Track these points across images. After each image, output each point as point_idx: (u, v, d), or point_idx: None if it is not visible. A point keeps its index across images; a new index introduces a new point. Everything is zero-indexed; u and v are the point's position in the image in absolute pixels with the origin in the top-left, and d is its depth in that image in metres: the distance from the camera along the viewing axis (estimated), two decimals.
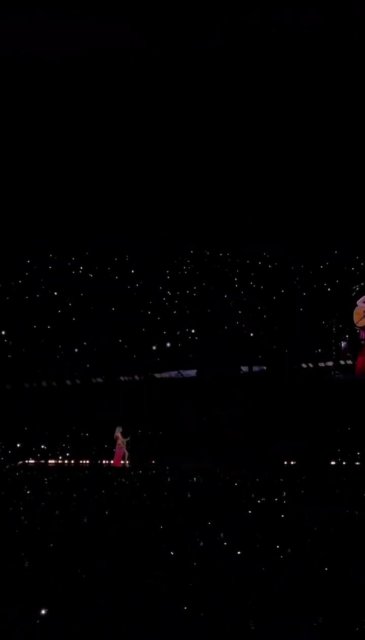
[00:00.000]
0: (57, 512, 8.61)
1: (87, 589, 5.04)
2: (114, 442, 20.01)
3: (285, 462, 18.38)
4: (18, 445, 21.12)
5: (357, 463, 19.28)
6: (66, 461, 21.56)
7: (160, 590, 4.96)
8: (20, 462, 20.53)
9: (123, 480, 13.61)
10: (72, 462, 21.35)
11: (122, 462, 19.72)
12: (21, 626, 4.29)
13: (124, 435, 19.93)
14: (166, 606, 4.64)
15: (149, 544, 6.44)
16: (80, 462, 21.31)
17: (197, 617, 4.46)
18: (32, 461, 21.10)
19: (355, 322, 18.81)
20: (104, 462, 21.10)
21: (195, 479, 13.72)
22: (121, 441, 19.85)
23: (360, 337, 18.55)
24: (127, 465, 19.57)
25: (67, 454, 21.73)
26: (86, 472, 16.98)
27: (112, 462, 19.82)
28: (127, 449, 19.90)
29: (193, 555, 5.95)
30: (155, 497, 10.40)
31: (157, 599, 4.78)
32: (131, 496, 10.48)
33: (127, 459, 19.84)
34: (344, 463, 19.43)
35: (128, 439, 19.96)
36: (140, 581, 5.17)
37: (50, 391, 21.42)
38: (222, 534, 6.67)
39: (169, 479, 13.80)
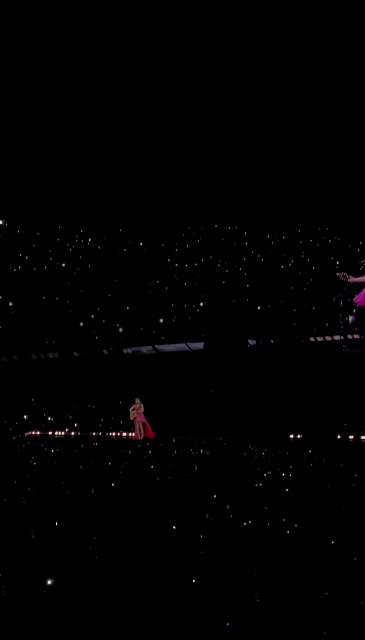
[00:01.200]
0: (62, 483, 8.65)
1: (93, 559, 5.06)
2: (124, 413, 20.14)
3: (291, 436, 18.45)
4: (25, 416, 21.25)
5: (363, 437, 19.32)
6: (73, 433, 21.68)
7: (164, 561, 4.98)
8: (27, 434, 20.66)
9: (129, 452, 13.66)
10: (80, 433, 21.46)
11: (146, 433, 19.84)
12: (28, 597, 4.31)
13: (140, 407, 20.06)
14: (169, 578, 4.65)
15: (154, 515, 6.46)
16: (89, 434, 21.43)
17: (201, 588, 4.47)
18: (39, 433, 21.23)
19: None
20: (111, 434, 21.22)
21: (201, 451, 13.77)
22: (136, 412, 19.94)
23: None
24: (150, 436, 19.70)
25: (75, 425, 21.86)
26: (94, 443, 17.06)
27: (136, 436, 19.95)
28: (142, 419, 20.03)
29: (198, 527, 5.97)
30: (161, 469, 10.45)
31: (161, 570, 4.80)
32: (137, 468, 10.53)
33: (141, 429, 19.96)
34: (350, 437, 19.46)
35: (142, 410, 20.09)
36: (144, 551, 5.20)
37: (57, 362, 21.46)
38: (228, 506, 6.69)
39: (175, 452, 13.86)
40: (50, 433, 21.35)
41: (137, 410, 20.00)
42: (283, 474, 9.67)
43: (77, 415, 21.89)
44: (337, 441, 18.57)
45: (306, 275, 21.68)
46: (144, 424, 19.96)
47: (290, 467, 10.42)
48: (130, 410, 20.10)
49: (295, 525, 5.82)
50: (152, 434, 19.76)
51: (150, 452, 14.36)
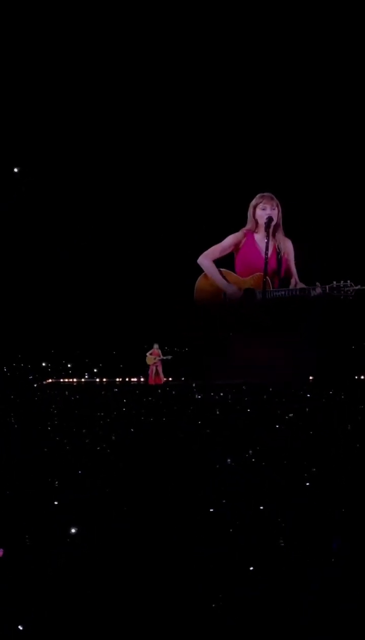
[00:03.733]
0: (84, 430, 8.69)
1: (112, 507, 5.07)
2: (143, 359, 20.23)
3: (311, 377, 18.49)
4: (44, 364, 21.39)
5: None
6: (96, 379, 21.85)
7: (181, 507, 4.98)
8: (48, 381, 20.83)
9: (150, 398, 13.72)
10: (102, 379, 21.64)
11: (158, 379, 19.98)
12: (51, 545, 4.33)
13: (162, 353, 20.15)
14: (187, 522, 4.66)
15: (175, 461, 6.47)
16: (110, 379, 21.60)
17: (222, 531, 4.46)
18: (62, 380, 21.38)
19: None
20: (132, 379, 21.38)
21: (222, 394, 13.82)
22: (154, 359, 20.04)
23: None
24: (162, 381, 19.85)
25: (95, 371, 22.01)
26: (115, 389, 17.18)
27: (151, 381, 20.08)
28: (159, 366, 20.14)
29: (220, 473, 5.97)
30: (183, 414, 10.49)
31: (178, 516, 4.80)
32: (159, 413, 10.57)
33: (159, 374, 20.08)
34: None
35: (169, 357, 20.16)
36: (164, 495, 5.21)
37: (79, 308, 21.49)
38: (250, 451, 6.69)
39: (197, 396, 13.91)
40: (69, 380, 21.50)
41: (154, 356, 20.09)
42: (303, 416, 9.68)
43: (97, 362, 22.03)
44: (358, 381, 18.58)
45: None
46: (159, 370, 20.10)
47: (307, 409, 10.43)
48: (147, 354, 20.19)
49: (314, 469, 5.82)
50: (161, 381, 19.94)
51: (172, 397, 14.42)
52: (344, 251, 19.21)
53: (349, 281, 18.92)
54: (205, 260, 20.77)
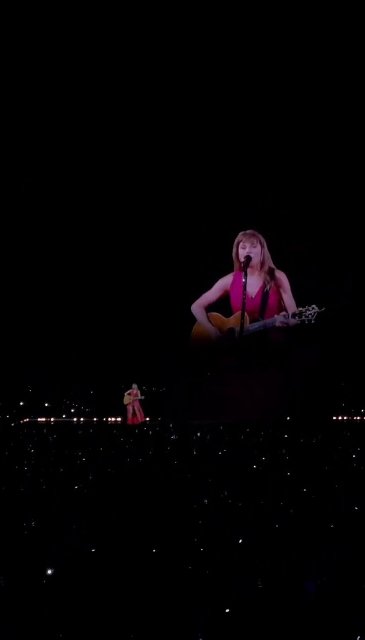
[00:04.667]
0: (61, 469, 8.65)
1: (91, 547, 5.05)
2: (120, 398, 20.17)
3: (289, 418, 18.53)
4: (21, 403, 21.25)
5: (357, 418, 19.40)
6: (73, 418, 21.72)
7: (161, 549, 4.97)
8: (25, 420, 20.67)
9: (128, 438, 13.66)
10: (80, 419, 21.51)
11: (135, 419, 19.91)
12: (26, 586, 4.29)
13: (140, 393, 20.12)
14: (167, 562, 4.65)
15: (152, 500, 6.45)
16: (86, 419, 21.47)
17: (199, 575, 4.45)
18: (42, 419, 21.25)
19: None
20: (109, 419, 21.28)
21: (199, 434, 13.80)
22: (132, 398, 20.00)
23: None
24: (141, 421, 19.79)
25: (72, 411, 21.88)
26: (91, 430, 17.08)
27: (129, 421, 20.01)
28: (137, 406, 20.09)
29: (196, 513, 5.96)
30: (159, 454, 10.45)
31: (159, 557, 4.80)
32: (136, 452, 10.53)
33: (136, 414, 20.01)
34: (345, 418, 19.53)
35: (142, 397, 20.13)
36: (141, 538, 5.19)
37: (54, 349, 21.40)
38: (225, 492, 6.68)
39: (173, 436, 13.88)
40: (46, 419, 21.36)
41: (133, 396, 20.04)
42: (279, 455, 9.69)
43: (75, 401, 21.91)
44: (333, 422, 18.64)
45: None
46: (137, 409, 20.05)
47: (283, 450, 10.44)
48: (126, 394, 20.14)
49: (291, 511, 5.82)
50: (140, 420, 19.89)
51: (148, 437, 14.37)
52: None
53: (313, 305, 19.12)
54: (196, 307, 20.96)
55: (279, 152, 20.19)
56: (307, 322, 19.05)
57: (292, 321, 19.26)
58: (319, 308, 19.00)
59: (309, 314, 19.05)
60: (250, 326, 20.03)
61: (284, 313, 19.53)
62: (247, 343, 19.78)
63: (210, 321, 20.85)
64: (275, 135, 20.07)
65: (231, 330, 20.35)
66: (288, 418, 18.51)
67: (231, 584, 4.08)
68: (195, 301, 21.04)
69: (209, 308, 20.96)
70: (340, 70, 18.83)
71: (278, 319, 19.53)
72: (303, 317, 19.11)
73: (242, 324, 19.71)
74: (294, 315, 19.25)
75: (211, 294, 20.94)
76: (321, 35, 18.42)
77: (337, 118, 19.37)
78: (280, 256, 20.33)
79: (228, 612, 3.58)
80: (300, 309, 19.27)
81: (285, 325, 19.40)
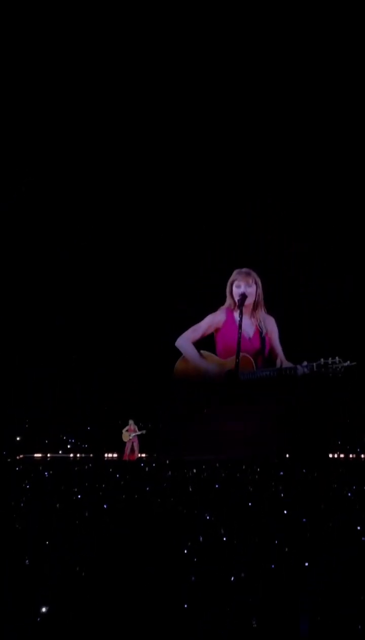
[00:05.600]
0: (58, 505, 8.64)
1: (87, 584, 5.06)
2: (117, 434, 20.12)
3: (286, 455, 18.46)
4: (18, 438, 21.18)
5: (352, 455, 19.31)
6: (70, 454, 21.65)
7: (159, 583, 4.99)
8: (21, 456, 20.60)
9: (125, 474, 13.63)
10: (76, 455, 21.44)
11: (132, 455, 19.85)
12: (22, 622, 4.31)
13: (137, 428, 20.04)
14: (164, 600, 4.66)
15: (149, 537, 6.46)
16: (83, 455, 21.40)
17: (195, 613, 4.47)
18: (38, 455, 21.18)
19: None
20: (106, 455, 21.21)
21: (195, 471, 13.77)
22: (130, 434, 19.96)
23: None
24: (135, 457, 19.71)
25: (68, 447, 21.81)
26: (88, 466, 17.03)
27: (125, 456, 19.94)
28: (136, 442, 20.03)
29: (192, 549, 5.97)
30: (155, 490, 10.44)
31: (156, 591, 4.81)
32: (131, 489, 10.52)
33: (134, 451, 19.95)
34: (341, 456, 19.48)
35: (143, 432, 20.02)
36: (139, 574, 5.20)
37: (52, 384, 21.37)
38: (222, 530, 6.70)
39: (169, 472, 13.85)
40: (42, 455, 21.28)
41: (130, 433, 20.02)
42: (275, 493, 9.69)
43: (72, 437, 21.84)
44: (329, 460, 18.59)
45: None
46: (135, 446, 19.99)
47: (281, 487, 10.43)
48: (123, 431, 20.11)
49: (286, 549, 5.83)
50: (134, 457, 19.81)
51: (145, 473, 14.34)
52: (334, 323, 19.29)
53: (337, 358, 18.68)
54: (184, 342, 20.37)
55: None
56: (332, 374, 18.58)
57: (315, 372, 18.80)
58: (344, 361, 18.55)
59: (336, 367, 18.52)
60: (260, 371, 19.68)
61: (305, 363, 18.94)
62: (249, 384, 19.51)
63: (204, 359, 20.39)
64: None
65: (232, 373, 19.82)
66: (287, 455, 18.45)
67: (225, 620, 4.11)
68: (182, 335, 20.50)
69: (197, 344, 20.53)
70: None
71: (300, 369, 19.00)
72: (329, 370, 18.58)
73: (237, 364, 19.38)
74: (319, 366, 18.72)
75: (200, 330, 20.35)
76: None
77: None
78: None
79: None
80: (324, 360, 18.74)
81: (300, 375, 18.98)
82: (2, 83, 18.94)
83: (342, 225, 19.88)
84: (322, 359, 18.69)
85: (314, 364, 18.73)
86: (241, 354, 19.63)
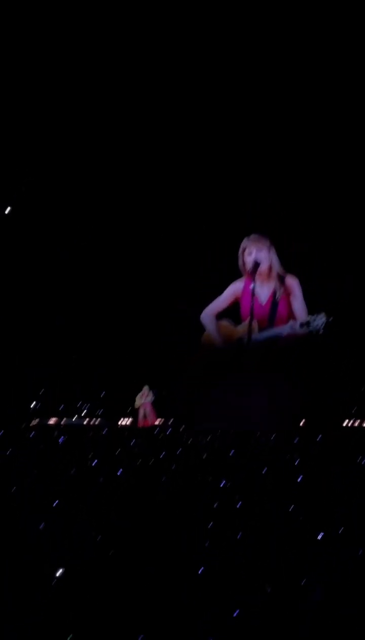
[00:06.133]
0: (72, 471, 8.67)
1: (102, 549, 5.07)
2: (132, 400, 20.16)
3: (302, 422, 18.48)
4: (33, 404, 21.29)
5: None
6: (85, 420, 21.77)
7: (173, 549, 4.99)
8: (36, 422, 20.73)
9: (139, 440, 13.68)
10: (90, 422, 21.55)
11: (146, 421, 19.88)
12: (37, 588, 4.33)
13: (152, 395, 20.05)
14: (181, 565, 4.67)
15: (161, 505, 6.47)
16: (97, 421, 21.52)
17: (208, 581, 4.47)
18: (52, 421, 21.31)
19: None
20: (122, 422, 21.31)
21: (209, 438, 13.79)
22: (143, 400, 19.98)
23: None
24: (152, 424, 19.76)
25: (83, 414, 21.92)
26: (103, 432, 17.09)
27: (139, 423, 19.97)
28: (149, 408, 20.05)
29: (206, 517, 5.97)
30: (171, 457, 10.46)
31: (171, 557, 4.82)
32: (147, 456, 10.54)
33: (147, 417, 19.99)
34: (356, 423, 19.44)
35: (154, 397, 20.05)
36: (153, 539, 5.21)
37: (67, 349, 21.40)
38: (237, 497, 6.69)
39: (188, 440, 13.87)
40: (56, 421, 21.40)
41: (143, 398, 20.03)
42: (290, 461, 9.68)
43: (87, 402, 21.94)
44: (344, 427, 18.59)
45: None
46: (148, 412, 20.00)
47: (296, 454, 10.43)
48: (137, 397, 20.13)
49: (301, 518, 5.82)
50: (151, 423, 19.80)
51: (159, 440, 14.39)
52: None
53: (322, 314, 18.62)
54: (206, 316, 20.38)
55: (277, 153, 20.04)
56: (315, 332, 18.65)
57: (300, 331, 18.82)
58: (328, 317, 18.59)
59: (316, 324, 18.62)
60: (258, 335, 19.71)
61: (291, 322, 19.04)
62: (256, 350, 19.55)
63: (218, 331, 20.48)
64: (274, 136, 19.95)
65: (240, 340, 20.05)
66: (301, 423, 18.46)
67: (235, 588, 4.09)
68: (206, 308, 20.61)
69: (221, 314, 20.59)
70: (342, 71, 18.75)
71: (285, 329, 19.09)
72: (311, 327, 18.71)
73: (249, 332, 19.35)
74: (301, 325, 18.78)
75: (222, 302, 20.41)
76: (320, 35, 18.27)
77: (338, 117, 19.25)
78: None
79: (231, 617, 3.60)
80: (308, 318, 18.85)
81: (293, 335, 19.02)
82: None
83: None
84: (307, 317, 18.77)
85: (298, 322, 18.77)
86: (247, 320, 19.75)
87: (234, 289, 22.44)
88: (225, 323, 22.11)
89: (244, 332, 21.27)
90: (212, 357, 20.83)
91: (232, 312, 21.84)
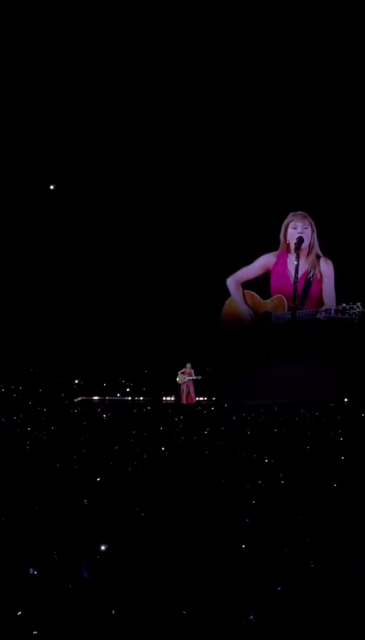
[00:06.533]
0: (116, 447, 8.72)
1: (148, 522, 5.10)
2: (174, 377, 20.20)
3: (345, 400, 18.38)
4: (76, 381, 21.46)
5: None
6: (128, 397, 21.88)
7: (220, 520, 5.02)
8: (80, 398, 20.89)
9: (182, 417, 13.72)
10: (134, 398, 21.66)
11: (189, 398, 19.90)
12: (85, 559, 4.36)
13: (194, 372, 20.03)
14: (227, 536, 4.69)
15: (207, 481, 6.47)
16: (140, 398, 21.62)
17: (257, 553, 4.47)
18: (96, 397, 21.46)
19: None
20: (165, 399, 21.37)
21: (253, 415, 13.78)
22: (186, 378, 19.98)
23: None
24: (194, 401, 19.78)
25: (128, 390, 22.03)
26: (147, 408, 17.18)
27: (182, 400, 20.00)
28: (191, 386, 20.05)
29: (251, 492, 5.97)
30: (216, 434, 10.47)
31: (218, 526, 4.84)
32: (191, 433, 10.56)
33: (190, 394, 20.00)
34: None
35: (198, 377, 20.05)
36: (201, 512, 5.24)
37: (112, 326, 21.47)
38: (281, 473, 6.68)
39: (232, 417, 13.86)
40: (100, 398, 21.54)
41: (185, 376, 20.04)
42: (333, 438, 9.63)
43: (130, 379, 22.03)
44: None
45: None
46: (191, 389, 20.01)
47: (340, 431, 10.37)
48: (179, 373, 20.14)
49: (348, 495, 5.79)
50: (192, 400, 19.81)
51: (203, 417, 14.40)
52: None
53: (358, 303, 18.66)
54: (232, 282, 20.40)
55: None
56: (350, 321, 18.63)
57: (334, 317, 18.86)
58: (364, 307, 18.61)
59: (353, 313, 18.61)
60: (284, 315, 19.75)
61: (326, 308, 19.03)
62: (291, 327, 19.52)
63: (245, 301, 20.46)
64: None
65: (267, 314, 20.01)
66: (345, 400, 18.34)
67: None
68: (232, 275, 20.51)
69: (246, 285, 20.55)
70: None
71: (320, 314, 19.11)
72: (346, 315, 18.69)
73: (293, 308, 19.39)
74: (337, 311, 18.78)
75: (251, 271, 20.33)
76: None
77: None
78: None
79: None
80: (344, 305, 18.84)
81: (328, 319, 19.02)
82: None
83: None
84: (342, 304, 18.77)
85: (333, 308, 18.80)
86: (279, 295, 19.71)
87: (266, 260, 22.18)
88: (251, 293, 21.99)
89: (274, 307, 21.19)
90: (243, 332, 20.80)
91: (258, 284, 21.71)
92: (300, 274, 19.77)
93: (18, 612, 3.55)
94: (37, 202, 20.78)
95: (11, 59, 18.61)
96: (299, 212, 19.84)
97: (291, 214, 19.89)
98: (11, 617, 3.51)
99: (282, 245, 20.18)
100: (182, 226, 20.49)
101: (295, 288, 19.50)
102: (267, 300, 20.21)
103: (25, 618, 3.51)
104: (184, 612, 3.58)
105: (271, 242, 20.67)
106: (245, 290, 20.53)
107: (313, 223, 19.93)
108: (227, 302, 20.63)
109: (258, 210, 20.26)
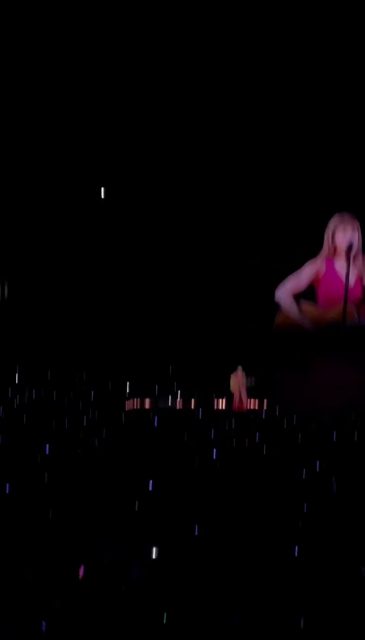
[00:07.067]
0: (167, 453, 8.73)
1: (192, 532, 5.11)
2: (227, 382, 20.14)
3: None
4: (128, 385, 21.59)
5: None
6: (178, 403, 21.95)
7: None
8: (130, 403, 21.03)
9: (232, 423, 13.68)
10: (184, 404, 21.71)
11: (241, 405, 19.81)
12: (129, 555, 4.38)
13: (245, 376, 19.92)
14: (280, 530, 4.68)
15: (257, 486, 6.46)
16: (192, 404, 21.67)
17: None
18: (141, 403, 21.56)
19: None
20: (216, 405, 21.36)
21: (304, 421, 13.68)
22: (239, 383, 19.88)
23: None
24: (247, 408, 19.69)
25: (177, 395, 22.10)
26: (198, 414, 17.18)
27: (235, 406, 19.90)
28: (244, 392, 19.96)
29: (301, 498, 5.94)
30: (264, 439, 10.42)
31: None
32: (240, 438, 10.52)
33: (243, 400, 19.92)
34: None
35: (252, 382, 19.94)
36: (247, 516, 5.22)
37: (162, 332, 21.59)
38: (333, 479, 6.62)
39: (279, 422, 13.79)
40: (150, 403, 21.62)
41: (239, 380, 19.98)
42: None
43: (180, 385, 22.10)
44: None
45: None
46: (243, 394, 19.92)
47: None
48: (232, 376, 20.05)
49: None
50: (245, 406, 19.67)
51: (254, 422, 14.35)
52: None
53: None
54: (285, 296, 19.95)
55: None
56: None
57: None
58: None
59: None
60: (357, 322, 19.50)
61: None
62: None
63: (303, 314, 20.18)
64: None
65: (334, 324, 19.74)
66: None
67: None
68: (281, 286, 20.10)
69: (298, 296, 20.33)
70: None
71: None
72: None
73: (345, 316, 19.21)
74: None
75: (302, 281, 19.90)
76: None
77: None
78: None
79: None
80: None
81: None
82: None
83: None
84: None
85: None
86: (340, 303, 19.51)
87: (316, 268, 21.62)
88: (308, 305, 21.52)
89: (336, 316, 20.87)
90: (307, 341, 20.64)
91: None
92: (353, 279, 19.45)
93: (65, 614, 3.57)
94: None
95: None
96: (346, 215, 19.33)
97: (336, 215, 19.42)
98: (58, 617, 3.53)
99: (329, 251, 19.84)
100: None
101: (346, 293, 19.28)
102: (330, 311, 19.85)
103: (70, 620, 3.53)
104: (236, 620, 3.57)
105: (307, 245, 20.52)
106: (303, 302, 20.26)
107: (359, 226, 19.56)
108: (277, 315, 20.34)
109: (288, 212, 20.30)
